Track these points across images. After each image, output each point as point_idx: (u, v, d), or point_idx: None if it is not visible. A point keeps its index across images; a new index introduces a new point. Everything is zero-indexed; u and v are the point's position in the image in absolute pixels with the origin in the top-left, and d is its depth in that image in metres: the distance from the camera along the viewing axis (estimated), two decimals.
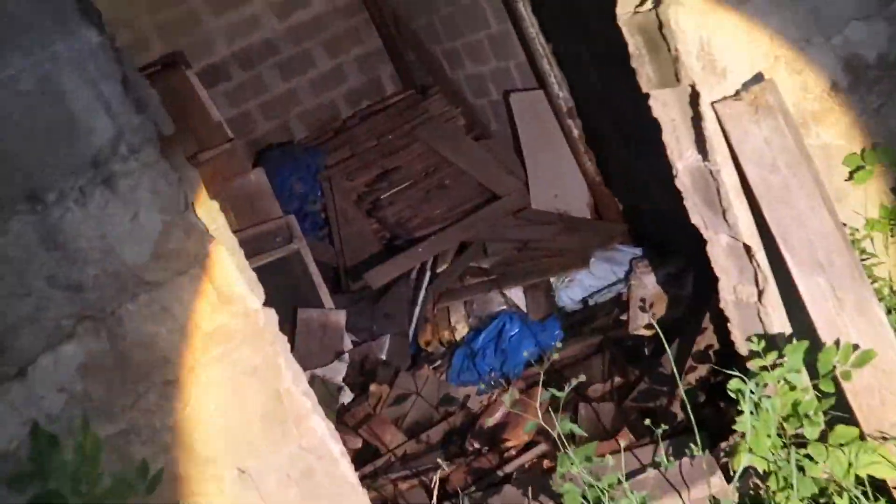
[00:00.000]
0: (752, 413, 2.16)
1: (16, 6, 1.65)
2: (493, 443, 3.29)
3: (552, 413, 2.30)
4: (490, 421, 3.22)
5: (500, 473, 3.06)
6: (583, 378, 2.25)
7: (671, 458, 2.42)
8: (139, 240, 1.82)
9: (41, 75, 1.69)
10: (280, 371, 2.00)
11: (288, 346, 2.09)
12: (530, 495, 2.56)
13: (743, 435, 2.19)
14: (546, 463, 3.07)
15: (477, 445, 3.33)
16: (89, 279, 1.81)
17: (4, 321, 1.75)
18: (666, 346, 2.58)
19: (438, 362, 4.11)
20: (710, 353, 2.99)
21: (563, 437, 2.22)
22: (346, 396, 4.15)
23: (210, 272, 1.89)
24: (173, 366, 1.90)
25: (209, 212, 1.97)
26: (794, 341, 2.30)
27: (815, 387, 2.14)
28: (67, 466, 1.18)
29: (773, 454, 2.16)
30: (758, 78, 2.25)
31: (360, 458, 3.60)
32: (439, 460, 2.37)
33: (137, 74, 1.82)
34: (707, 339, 3.06)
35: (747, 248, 2.37)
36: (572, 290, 4.16)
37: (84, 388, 1.84)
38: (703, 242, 2.53)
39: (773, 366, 2.21)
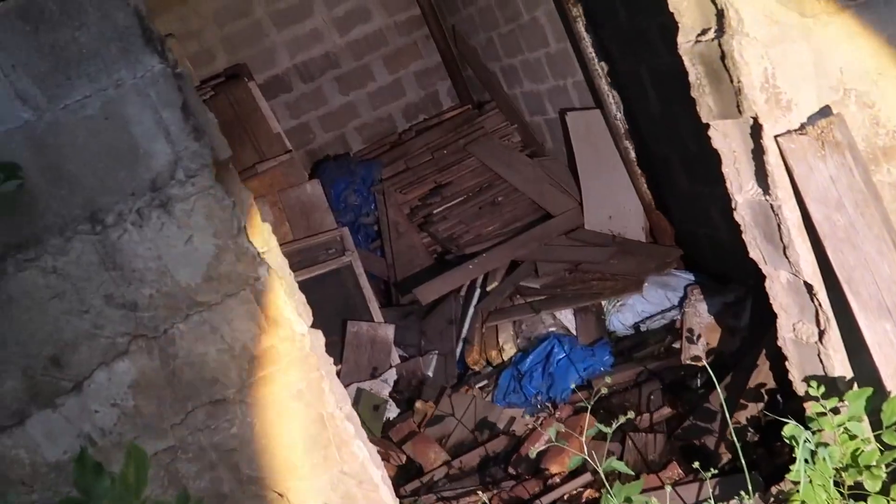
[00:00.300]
0: (806, 461, 2.07)
1: (84, 35, 1.71)
2: (536, 469, 3.25)
3: (599, 441, 2.24)
4: (534, 447, 3.17)
5: (541, 502, 3.01)
6: (631, 415, 2.20)
7: (719, 500, 2.33)
8: (192, 262, 1.86)
9: (105, 101, 1.75)
10: (324, 395, 2.01)
11: (333, 369, 2.11)
12: None
13: (796, 483, 2.11)
14: (589, 493, 3.01)
15: (520, 471, 3.29)
16: (144, 299, 1.86)
17: (63, 337, 1.82)
18: (716, 382, 2.50)
19: (485, 382, 4.08)
20: (764, 391, 2.88)
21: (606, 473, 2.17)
22: (392, 411, 4.17)
23: (259, 296, 1.92)
24: (221, 386, 1.94)
25: (261, 234, 2.00)
26: (856, 387, 2.20)
27: (878, 437, 2.04)
28: (111, 494, 1.21)
29: None
30: (825, 112, 2.16)
31: (403, 475, 3.60)
32: (479, 492, 2.33)
33: (198, 100, 1.86)
34: (762, 375, 2.94)
35: (808, 287, 2.28)
36: (624, 314, 4.08)
37: (135, 405, 1.89)
38: (763, 275, 2.45)
39: (833, 411, 2.12)
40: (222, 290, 1.89)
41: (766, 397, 2.86)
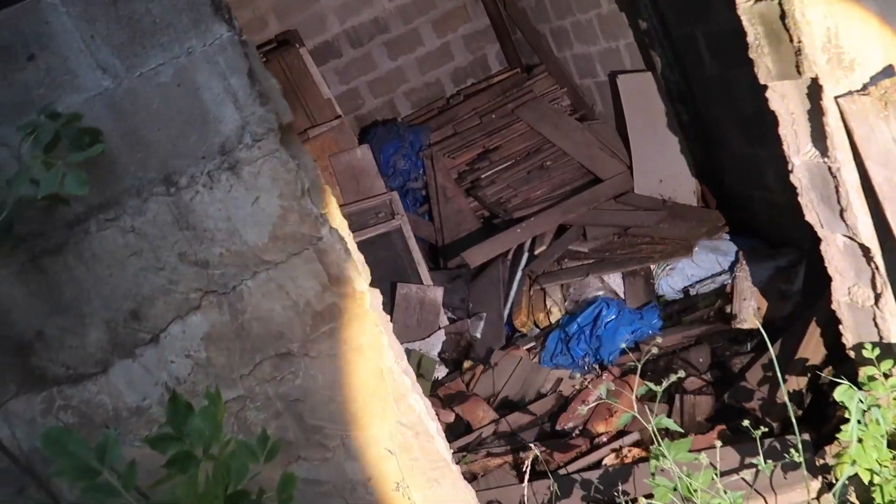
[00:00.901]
0: (858, 422, 2.09)
1: (158, 6, 1.79)
2: (583, 428, 3.32)
3: (647, 402, 2.28)
4: (582, 406, 3.23)
5: (589, 459, 3.08)
6: (682, 374, 2.23)
7: (768, 461, 2.37)
8: (259, 222, 1.95)
9: (177, 69, 1.83)
10: (383, 350, 2.10)
11: (391, 326, 2.19)
12: (621, 484, 2.58)
13: (847, 444, 2.13)
14: (638, 452, 3.06)
15: (566, 429, 3.36)
16: (215, 257, 1.96)
17: (141, 292, 1.94)
18: (770, 345, 2.51)
19: (532, 344, 4.15)
20: (816, 358, 2.87)
21: (656, 430, 2.22)
22: (441, 371, 4.28)
23: (322, 254, 2.01)
24: (287, 340, 2.04)
25: (323, 196, 2.08)
26: None
27: None
28: (201, 431, 1.32)
29: (880, 466, 2.09)
30: (889, 71, 2.12)
31: (451, 433, 3.72)
32: (530, 444, 2.41)
33: (261, 66, 1.93)
34: (812, 343, 2.93)
35: (865, 250, 2.26)
36: (673, 278, 4.08)
37: (207, 356, 2.01)
38: (819, 239, 2.43)
39: (887, 375, 2.12)
40: (287, 249, 1.98)
41: (817, 365, 2.85)
